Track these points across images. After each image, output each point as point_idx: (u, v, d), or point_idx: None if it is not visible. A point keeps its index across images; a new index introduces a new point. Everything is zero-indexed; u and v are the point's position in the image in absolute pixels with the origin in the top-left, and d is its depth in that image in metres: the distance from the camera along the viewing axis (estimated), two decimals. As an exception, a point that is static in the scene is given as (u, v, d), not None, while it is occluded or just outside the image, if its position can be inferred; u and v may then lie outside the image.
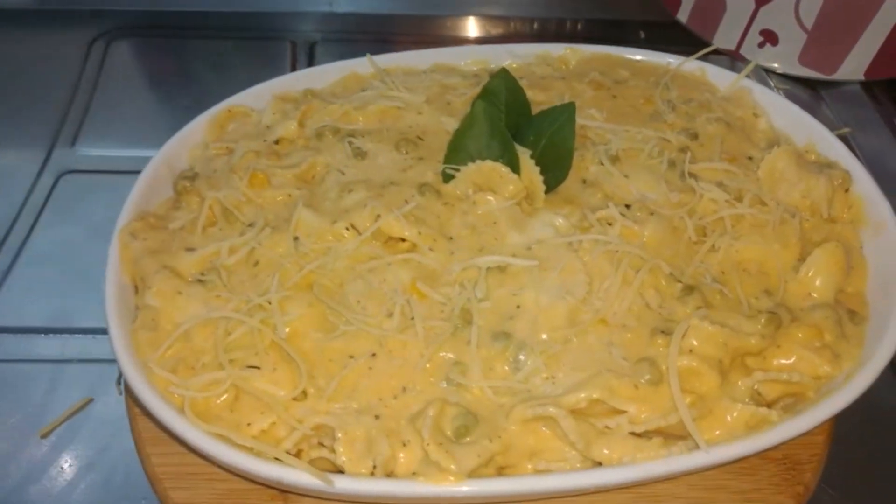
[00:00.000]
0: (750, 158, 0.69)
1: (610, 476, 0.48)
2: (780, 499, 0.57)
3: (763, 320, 0.55)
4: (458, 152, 0.64)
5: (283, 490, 0.58)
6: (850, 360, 0.55)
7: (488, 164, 0.62)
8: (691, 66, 0.78)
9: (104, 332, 0.57)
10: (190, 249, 0.61)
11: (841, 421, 0.62)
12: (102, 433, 0.69)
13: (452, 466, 0.47)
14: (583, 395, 0.50)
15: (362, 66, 0.79)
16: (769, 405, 0.53)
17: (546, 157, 0.64)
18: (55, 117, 1.00)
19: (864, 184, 0.65)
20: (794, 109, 0.73)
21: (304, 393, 0.53)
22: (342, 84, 0.78)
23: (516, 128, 0.66)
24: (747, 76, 0.76)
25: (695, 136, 0.70)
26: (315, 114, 0.72)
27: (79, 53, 1.10)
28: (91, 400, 0.72)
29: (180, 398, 0.52)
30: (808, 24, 1.02)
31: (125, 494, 0.65)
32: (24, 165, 0.93)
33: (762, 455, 0.60)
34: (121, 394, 0.71)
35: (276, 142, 0.70)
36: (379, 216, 0.60)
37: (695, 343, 0.53)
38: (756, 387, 0.53)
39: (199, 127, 0.72)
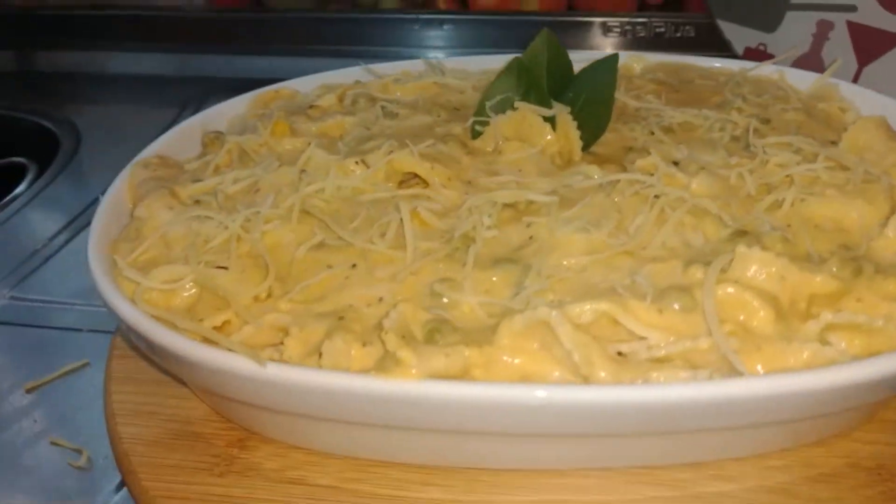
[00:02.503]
0: (833, 143, 0.59)
1: (609, 395, 0.36)
2: (871, 514, 0.42)
3: (836, 261, 0.43)
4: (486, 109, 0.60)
5: (245, 428, 0.49)
6: (956, 320, 0.42)
7: (520, 112, 0.57)
8: (769, 70, 0.71)
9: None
10: (196, 180, 0.58)
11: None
12: (86, 395, 0.64)
13: (413, 360, 0.38)
14: (588, 307, 0.40)
15: (416, 66, 0.78)
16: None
17: (584, 113, 0.58)
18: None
19: (976, 159, 0.54)
20: (888, 101, 0.63)
21: (270, 295, 0.46)
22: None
23: (558, 92, 0.61)
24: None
25: (766, 121, 0.62)
26: (355, 89, 0.70)
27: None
28: (87, 363, 0.68)
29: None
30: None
31: (82, 448, 0.58)
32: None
33: (850, 461, 0.45)
34: (117, 360, 0.66)
35: (310, 107, 0.68)
36: (392, 152, 0.55)
37: (743, 274, 0.42)
38: (823, 333, 0.41)
39: (241, 102, 0.72)
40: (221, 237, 0.50)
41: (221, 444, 0.50)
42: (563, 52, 0.63)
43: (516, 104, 0.57)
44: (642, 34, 1.21)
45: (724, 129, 0.60)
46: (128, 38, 1.34)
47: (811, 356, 0.39)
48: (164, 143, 0.64)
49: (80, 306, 0.75)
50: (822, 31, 1.01)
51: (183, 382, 0.53)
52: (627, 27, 1.23)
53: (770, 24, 1.06)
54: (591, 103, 0.58)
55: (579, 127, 0.57)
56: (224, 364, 0.40)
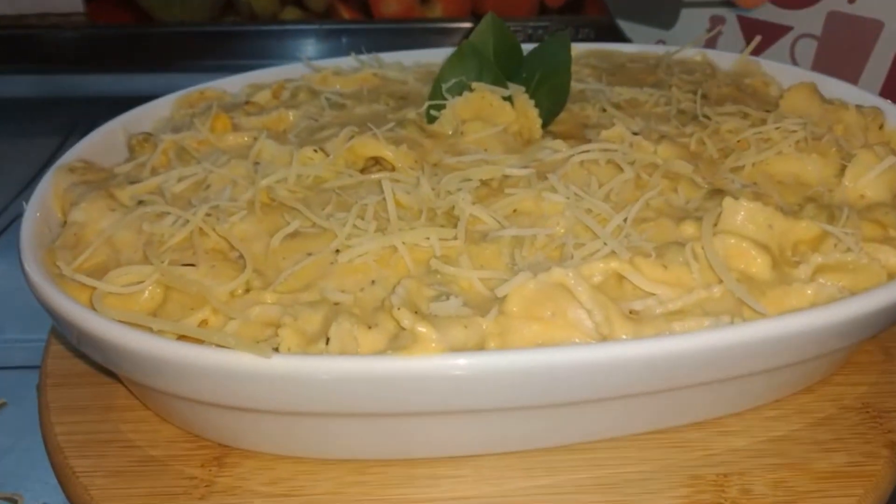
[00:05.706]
0: (768, 112, 0.62)
1: (643, 348, 0.36)
2: (870, 448, 0.44)
3: (811, 209, 0.45)
4: (443, 92, 0.58)
5: (220, 444, 0.45)
6: (929, 253, 0.44)
7: (478, 93, 0.56)
8: (691, 52, 0.75)
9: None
10: (133, 182, 0.53)
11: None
12: (10, 436, 0.56)
13: (433, 334, 0.35)
14: (600, 266, 0.39)
15: (349, 63, 0.75)
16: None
17: (540, 92, 0.57)
18: None
19: (899, 116, 0.58)
20: (805, 73, 0.67)
21: (248, 289, 0.42)
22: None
23: (509, 73, 0.60)
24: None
25: (704, 97, 0.64)
26: (294, 83, 0.67)
27: None
28: (4, 403, 0.59)
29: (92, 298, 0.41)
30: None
31: (16, 495, 0.51)
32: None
33: (838, 403, 0.47)
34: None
35: (247, 103, 0.64)
36: (353, 137, 0.53)
37: (733, 224, 0.43)
38: (815, 275, 0.42)
39: (164, 103, 0.67)
40: (181, 234, 0.45)
41: (196, 464, 0.45)
42: (510, 33, 0.63)
43: (473, 85, 0.56)
44: (544, 37, 1.25)
45: (670, 104, 0.61)
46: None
47: (814, 295, 0.40)
48: (83, 148, 0.58)
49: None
50: (716, 26, 1.07)
51: (142, 404, 0.47)
52: (530, 30, 1.26)
53: (667, 21, 1.12)
54: (545, 82, 0.58)
55: (536, 106, 0.57)
56: (220, 362, 0.35)
